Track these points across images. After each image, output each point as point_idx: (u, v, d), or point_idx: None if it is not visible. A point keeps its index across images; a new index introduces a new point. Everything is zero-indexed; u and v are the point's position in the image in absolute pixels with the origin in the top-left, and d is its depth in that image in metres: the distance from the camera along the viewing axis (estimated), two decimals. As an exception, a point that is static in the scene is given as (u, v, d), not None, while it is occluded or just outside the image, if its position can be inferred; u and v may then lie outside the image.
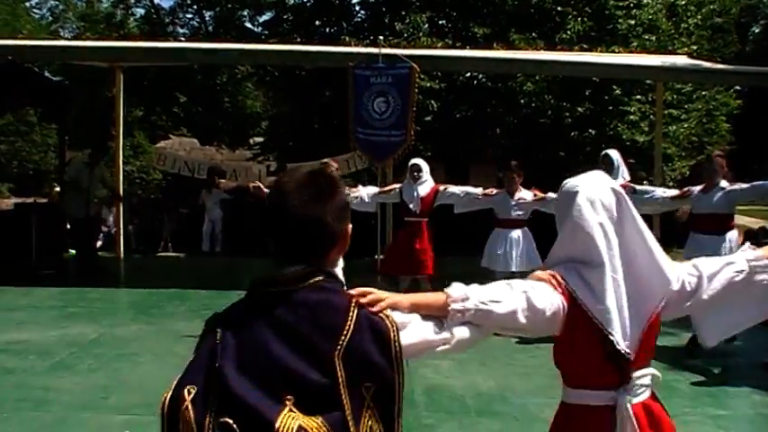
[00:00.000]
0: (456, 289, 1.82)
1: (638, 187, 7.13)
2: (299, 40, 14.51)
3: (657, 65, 11.72)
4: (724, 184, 6.52)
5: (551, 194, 7.17)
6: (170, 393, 1.51)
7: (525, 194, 7.30)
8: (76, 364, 5.91)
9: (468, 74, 14.14)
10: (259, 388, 1.45)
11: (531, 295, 1.91)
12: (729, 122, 22.48)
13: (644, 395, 2.04)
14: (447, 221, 8.23)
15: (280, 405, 1.43)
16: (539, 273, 2.04)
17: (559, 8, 14.63)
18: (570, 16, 14.50)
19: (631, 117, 14.46)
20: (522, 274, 3.90)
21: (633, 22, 14.86)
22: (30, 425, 4.57)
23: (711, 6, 19.71)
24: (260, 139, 21.37)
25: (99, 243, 12.36)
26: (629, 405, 1.97)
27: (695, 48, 16.27)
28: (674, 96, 15.47)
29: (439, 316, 1.77)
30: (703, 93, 17.59)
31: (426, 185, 7.38)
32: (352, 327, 1.51)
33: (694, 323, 2.27)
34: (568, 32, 14.26)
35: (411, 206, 7.31)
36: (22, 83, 12.03)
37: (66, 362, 5.96)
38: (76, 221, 10.72)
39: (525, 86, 13.83)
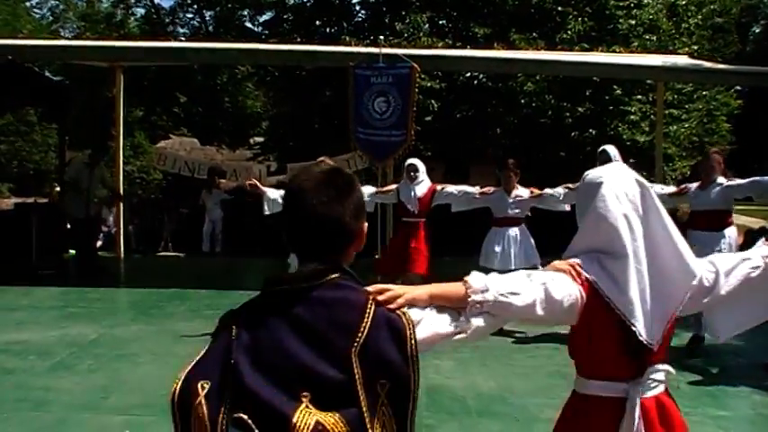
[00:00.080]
0: (476, 279, 1.81)
1: None
2: (299, 39, 14.54)
3: (658, 65, 11.71)
4: (721, 180, 6.50)
5: (548, 190, 7.18)
6: (179, 385, 1.51)
7: (522, 192, 7.29)
8: (76, 364, 5.90)
9: (469, 74, 14.15)
10: (275, 384, 1.45)
11: (549, 287, 1.90)
12: (730, 122, 22.51)
13: (657, 390, 2.03)
14: (445, 222, 8.23)
15: (296, 402, 1.43)
16: (557, 263, 2.02)
17: (560, 8, 14.64)
18: (571, 16, 14.51)
19: (632, 117, 14.47)
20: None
21: (634, 21, 14.87)
22: (29, 425, 4.56)
23: (712, 6, 19.73)
24: (260, 139, 21.40)
25: (99, 243, 12.36)
26: (638, 398, 1.97)
27: (696, 48, 16.28)
28: (675, 96, 15.48)
29: (457, 307, 1.76)
30: (704, 93, 17.61)
31: (424, 185, 7.38)
32: (369, 324, 1.51)
33: (707, 317, 2.27)
34: (569, 32, 14.27)
35: (409, 206, 7.31)
36: (22, 83, 12.02)
37: (66, 362, 5.95)
38: (77, 221, 10.71)
39: (526, 86, 13.83)
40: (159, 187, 20.29)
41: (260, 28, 20.33)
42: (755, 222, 13.88)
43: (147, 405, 4.74)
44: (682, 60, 12.72)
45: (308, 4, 17.26)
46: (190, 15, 25.10)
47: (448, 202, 7.50)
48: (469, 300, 1.76)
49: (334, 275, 1.57)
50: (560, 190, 7.05)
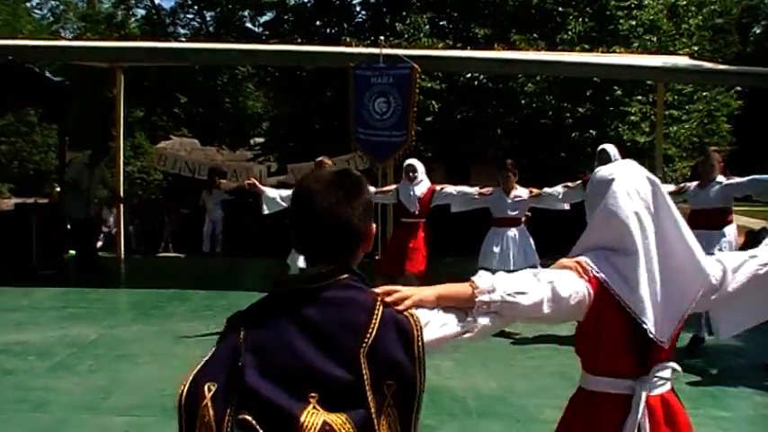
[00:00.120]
0: (483, 280, 1.81)
1: None
2: (299, 40, 14.54)
3: (658, 65, 11.71)
4: (721, 178, 6.51)
5: (547, 190, 7.18)
6: (186, 387, 1.51)
7: (521, 192, 7.29)
8: (76, 364, 5.89)
9: (469, 74, 14.16)
10: (282, 385, 1.45)
11: (556, 285, 1.89)
12: (730, 123, 22.52)
13: (663, 388, 2.03)
14: (445, 222, 8.22)
15: (303, 402, 1.44)
16: (564, 260, 2.02)
17: (560, 9, 14.65)
18: (571, 17, 14.51)
19: (632, 118, 14.47)
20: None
21: (634, 22, 14.87)
22: (29, 426, 4.55)
23: (712, 7, 19.72)
24: (261, 140, 21.42)
25: (99, 243, 12.35)
26: (644, 394, 1.96)
27: (696, 48, 16.28)
28: (675, 97, 15.48)
29: (464, 308, 1.76)
30: (704, 93, 17.61)
31: (423, 186, 7.37)
32: (377, 325, 1.52)
33: (712, 315, 2.27)
34: (569, 33, 14.27)
35: (408, 207, 7.30)
36: (22, 83, 12.01)
37: (66, 363, 5.94)
38: (77, 222, 10.71)
39: (526, 87, 13.84)
40: (160, 188, 20.29)
41: (260, 29, 20.39)
42: (756, 223, 13.87)
43: (147, 405, 4.73)
44: (682, 61, 12.72)
45: (309, 5, 17.27)
46: (190, 16, 25.18)
47: (447, 203, 7.49)
48: (477, 300, 1.76)
49: (343, 276, 1.58)
50: (559, 189, 7.06)
